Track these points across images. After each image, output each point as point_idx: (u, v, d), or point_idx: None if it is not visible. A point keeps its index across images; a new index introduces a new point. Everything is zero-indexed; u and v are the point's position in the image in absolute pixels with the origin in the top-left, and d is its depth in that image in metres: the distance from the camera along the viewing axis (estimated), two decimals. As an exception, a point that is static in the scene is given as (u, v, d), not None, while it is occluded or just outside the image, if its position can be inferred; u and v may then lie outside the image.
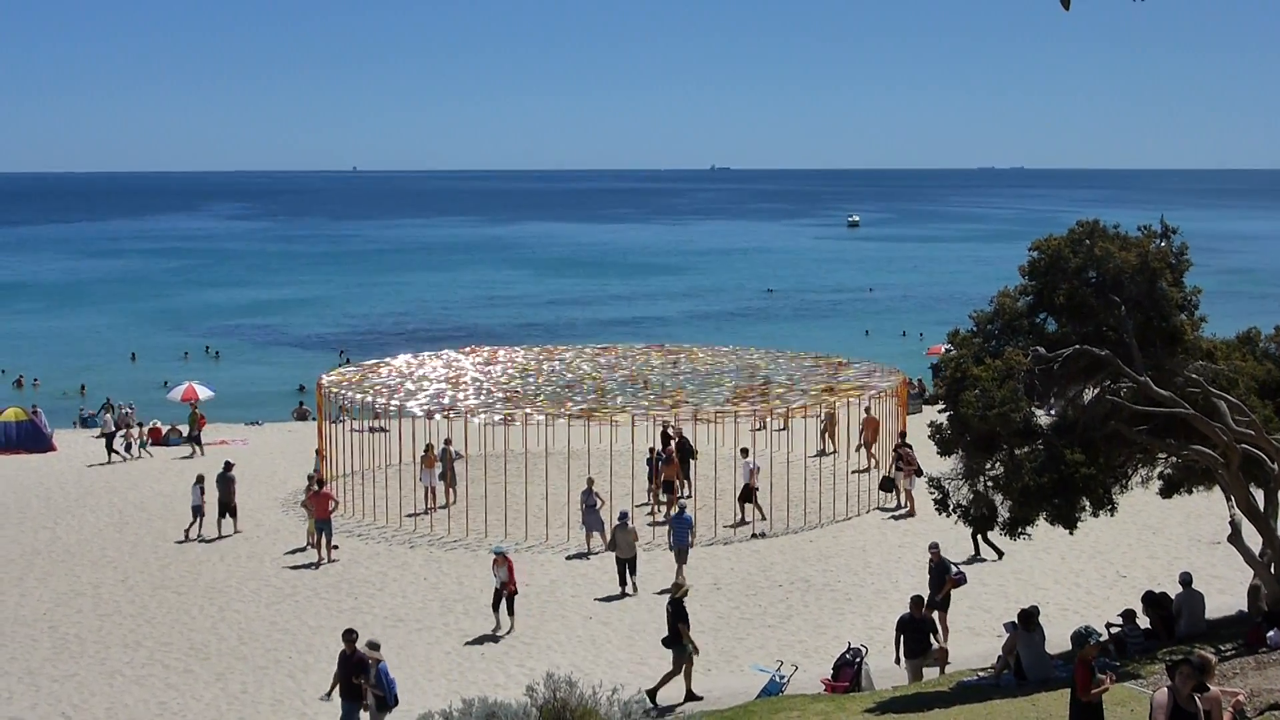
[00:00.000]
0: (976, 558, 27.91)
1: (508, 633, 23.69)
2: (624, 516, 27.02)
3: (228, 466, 32.11)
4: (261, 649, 23.23)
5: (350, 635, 18.35)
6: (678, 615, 20.48)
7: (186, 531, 30.92)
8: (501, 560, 23.87)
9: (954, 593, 24.58)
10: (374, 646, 18.15)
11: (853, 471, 35.23)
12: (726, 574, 27.47)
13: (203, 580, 27.43)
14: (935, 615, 21.70)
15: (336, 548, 29.29)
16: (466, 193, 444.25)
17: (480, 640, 23.48)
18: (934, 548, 23.28)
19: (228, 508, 31.44)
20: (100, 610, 25.47)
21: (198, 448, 42.59)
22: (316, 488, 29.71)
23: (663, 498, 32.69)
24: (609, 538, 27.53)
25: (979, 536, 28.26)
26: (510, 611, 23.98)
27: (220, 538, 30.96)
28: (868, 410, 37.32)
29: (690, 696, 20.37)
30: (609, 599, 26.19)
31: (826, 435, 39.84)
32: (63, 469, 40.17)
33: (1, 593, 26.70)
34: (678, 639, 20.49)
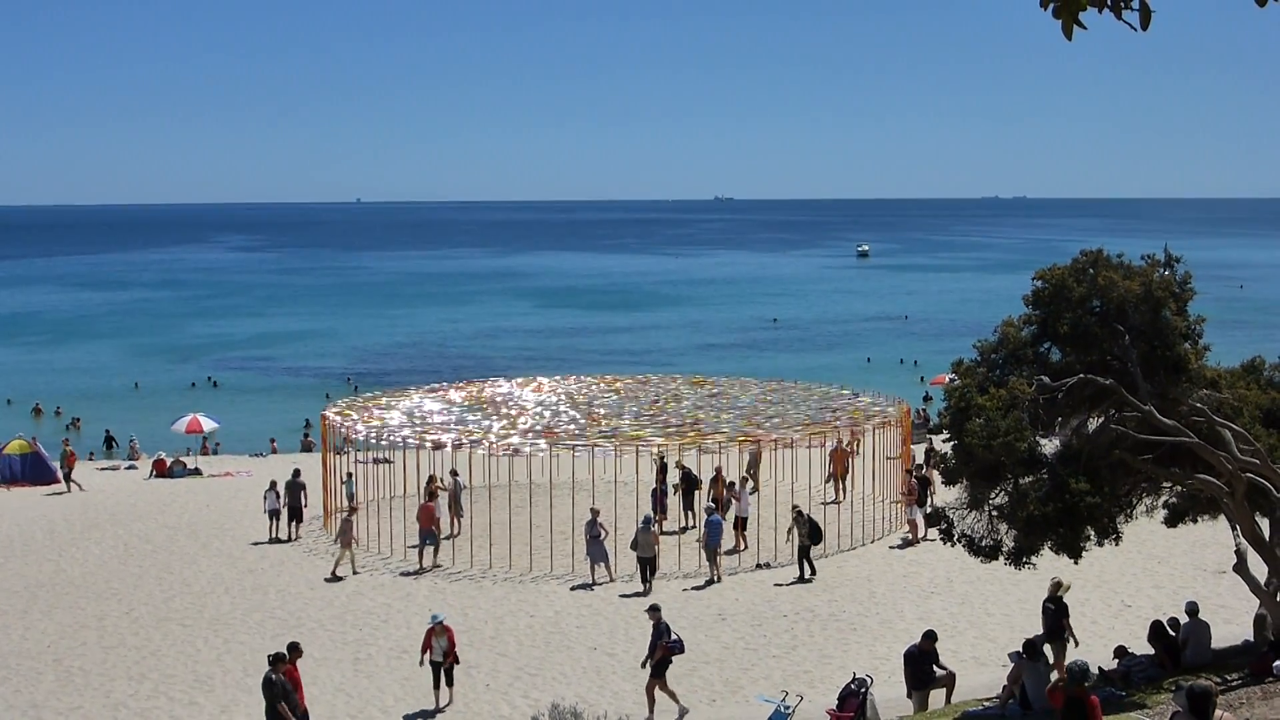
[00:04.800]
0: (803, 579, 28.99)
1: (447, 705, 21.71)
2: (647, 520, 29.29)
3: (296, 474, 35.18)
4: (266, 681, 23.15)
5: None
6: (1060, 611, 20.78)
7: (273, 535, 33.81)
8: (441, 630, 21.82)
9: (953, 621, 24.55)
10: None
11: (822, 503, 35.33)
12: (731, 604, 27.43)
13: (207, 612, 27.41)
14: (650, 682, 21.11)
15: (353, 572, 29.41)
16: (470, 224, 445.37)
17: (485, 672, 23.43)
18: (653, 610, 21.95)
19: (296, 512, 34.20)
20: (105, 643, 25.44)
21: (73, 485, 42.39)
22: (425, 499, 31.80)
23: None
24: (632, 538, 28.95)
25: (806, 554, 29.22)
26: (450, 683, 21.87)
27: (288, 540, 33.63)
28: (839, 442, 37.24)
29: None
30: (632, 595, 28.08)
31: (751, 472, 38.58)
32: (67, 501, 40.18)
33: (6, 626, 26.67)
34: (1059, 634, 20.64)
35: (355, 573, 30.22)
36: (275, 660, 18.61)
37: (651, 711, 20.93)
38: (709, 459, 36.97)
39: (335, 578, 29.93)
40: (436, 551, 30.98)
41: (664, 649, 21.11)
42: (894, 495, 35.88)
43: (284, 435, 56.14)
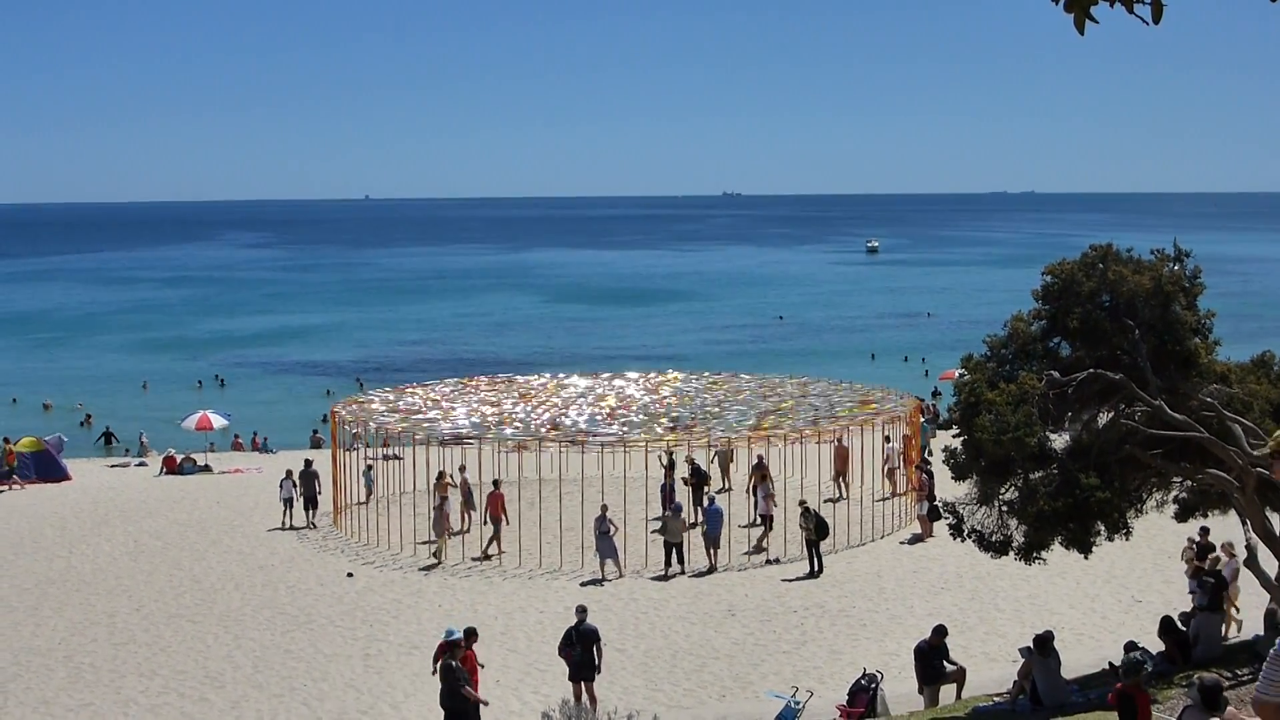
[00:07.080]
0: (812, 574, 29.11)
1: None
2: (678, 508, 30.37)
3: (308, 463, 35.82)
4: (277, 677, 23.23)
5: None
6: (1220, 584, 21.13)
7: (287, 523, 34.76)
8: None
9: (963, 616, 24.43)
10: None
11: (825, 501, 35.26)
12: (741, 600, 27.44)
13: (217, 608, 27.47)
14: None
15: (439, 562, 29.43)
16: (478, 220, 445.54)
17: (495, 667, 23.45)
18: (579, 610, 21.77)
19: (312, 500, 35.12)
20: (115, 639, 25.51)
21: (11, 484, 42.49)
22: (493, 487, 32.07)
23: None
24: (661, 524, 29.69)
25: (814, 549, 29.32)
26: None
27: (305, 528, 34.59)
28: (840, 440, 37.09)
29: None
30: (660, 578, 29.12)
31: (723, 472, 38.65)
32: (78, 498, 40.26)
33: (16, 622, 26.75)
34: (1219, 605, 20.91)
35: (440, 562, 30.76)
36: (452, 646, 18.94)
37: (595, 708, 20.52)
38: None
39: (437, 559, 30.85)
40: (496, 540, 31.38)
41: (566, 655, 21.15)
42: (896, 490, 35.93)
43: (292, 430, 56.13)
